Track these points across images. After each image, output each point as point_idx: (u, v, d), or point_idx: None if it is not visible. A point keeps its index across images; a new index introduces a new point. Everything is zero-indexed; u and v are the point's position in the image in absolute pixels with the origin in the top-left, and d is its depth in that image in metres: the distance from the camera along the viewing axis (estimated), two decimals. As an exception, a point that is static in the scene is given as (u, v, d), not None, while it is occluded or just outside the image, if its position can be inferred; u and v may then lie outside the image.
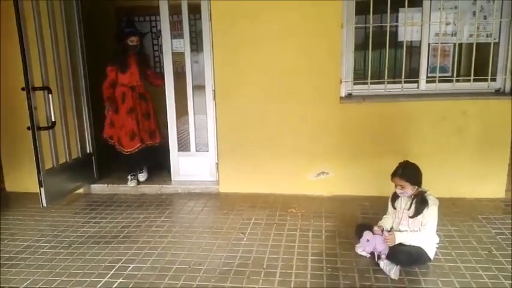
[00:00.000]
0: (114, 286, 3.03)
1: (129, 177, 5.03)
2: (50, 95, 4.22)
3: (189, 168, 5.01)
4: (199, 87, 4.90)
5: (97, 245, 3.68)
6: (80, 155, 4.87)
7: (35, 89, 4.07)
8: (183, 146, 5.11)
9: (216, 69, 4.60)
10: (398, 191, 3.22)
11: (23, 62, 3.95)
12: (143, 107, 4.92)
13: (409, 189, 3.15)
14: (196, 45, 5.40)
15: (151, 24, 6.71)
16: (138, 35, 4.82)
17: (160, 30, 5.23)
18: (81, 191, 4.97)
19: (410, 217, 3.16)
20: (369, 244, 3.19)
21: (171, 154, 5.03)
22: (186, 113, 4.95)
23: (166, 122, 4.97)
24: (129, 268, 3.28)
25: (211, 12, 4.48)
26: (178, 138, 5.04)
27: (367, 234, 3.20)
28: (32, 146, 4.10)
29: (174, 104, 4.91)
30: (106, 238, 3.82)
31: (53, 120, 4.27)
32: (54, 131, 4.40)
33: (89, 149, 5.02)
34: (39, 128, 4.14)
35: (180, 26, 4.86)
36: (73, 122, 4.78)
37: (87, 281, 3.12)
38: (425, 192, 3.19)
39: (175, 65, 4.95)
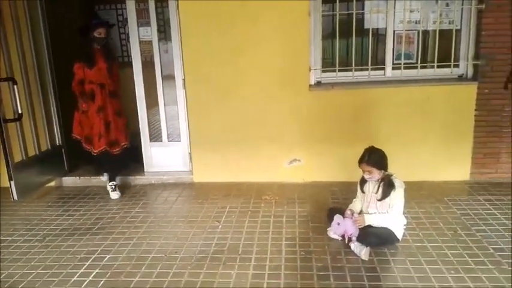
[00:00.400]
0: (90, 277, 3.05)
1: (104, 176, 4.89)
2: (15, 86, 4.14)
3: (162, 158, 5.01)
4: (169, 77, 4.89)
5: (71, 237, 3.68)
6: (50, 147, 4.82)
7: (-1, 80, 4.00)
8: (155, 137, 5.10)
9: (185, 57, 4.60)
10: (366, 177, 3.33)
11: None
12: (115, 105, 4.59)
13: (376, 174, 3.27)
14: (165, 33, 5.36)
15: (117, 12, 6.62)
16: (105, 26, 4.50)
17: (126, 19, 5.12)
18: (52, 184, 4.92)
19: (379, 200, 3.29)
20: (339, 227, 3.31)
21: (142, 145, 5.01)
22: (157, 103, 4.93)
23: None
24: (105, 259, 3.30)
25: (178, 1, 4.47)
26: (150, 128, 5.03)
27: (337, 218, 3.32)
28: (-1, 139, 4.04)
29: (143, 94, 4.87)
30: (80, 230, 3.82)
31: (20, 112, 4.20)
32: (22, 123, 4.35)
33: (58, 141, 4.96)
34: (6, 121, 4.09)
35: (147, 14, 4.80)
36: (41, 114, 4.71)
37: (63, 272, 3.13)
38: (392, 175, 3.31)
39: (144, 54, 4.90)
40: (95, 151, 4.54)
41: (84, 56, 4.43)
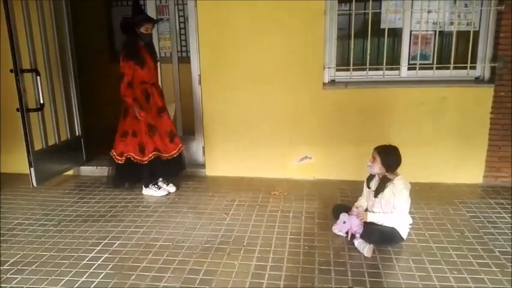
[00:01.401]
0: (99, 261, 3.16)
1: (153, 187, 4.48)
2: (38, 77, 4.32)
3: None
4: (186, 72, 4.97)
5: (85, 223, 3.82)
6: (69, 137, 4.97)
7: (23, 71, 4.17)
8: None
9: (202, 54, 4.68)
10: (368, 163, 3.37)
11: (11, 45, 4.05)
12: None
13: (377, 167, 3.31)
14: (185, 29, 5.46)
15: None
16: (152, 21, 4.16)
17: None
18: (70, 172, 5.08)
19: (375, 197, 3.33)
20: (345, 225, 3.34)
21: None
22: (173, 99, 5.03)
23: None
24: (115, 245, 3.42)
25: (196, -2, 4.56)
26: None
27: (343, 216, 3.35)
28: (21, 128, 4.20)
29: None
30: (94, 217, 3.95)
31: (42, 102, 4.36)
32: (43, 113, 4.50)
33: (77, 131, 5.11)
34: (28, 110, 4.25)
35: (167, 10, 4.89)
36: (62, 105, 4.86)
37: (74, 255, 3.25)
38: (397, 176, 3.32)
39: (163, 50, 5.01)
40: (171, 154, 4.32)
41: (132, 54, 4.07)
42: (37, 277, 2.98)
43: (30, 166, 4.34)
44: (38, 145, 4.49)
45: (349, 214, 3.36)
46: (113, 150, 4.36)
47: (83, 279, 2.95)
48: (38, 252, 3.31)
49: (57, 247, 3.39)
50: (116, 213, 4.02)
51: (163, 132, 4.28)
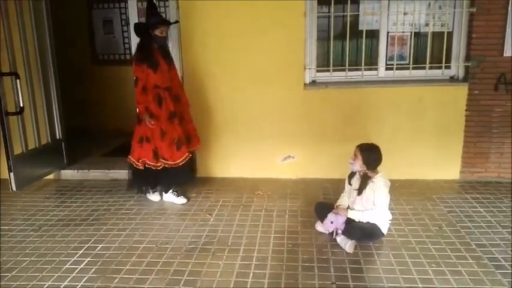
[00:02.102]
0: (82, 265, 3.16)
1: (171, 194, 4.35)
2: (17, 81, 4.28)
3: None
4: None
5: (66, 227, 3.80)
6: (50, 141, 4.93)
7: (2, 74, 4.14)
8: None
9: (184, 55, 4.69)
10: (350, 160, 3.44)
11: (-12, 48, 4.01)
12: (179, 110, 4.21)
13: (358, 164, 3.38)
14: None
15: (121, 11, 6.79)
16: (167, 24, 4.02)
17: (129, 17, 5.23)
18: (51, 176, 5.04)
19: (358, 195, 3.40)
20: (332, 225, 3.38)
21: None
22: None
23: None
24: (98, 248, 3.41)
25: (178, 0, 4.57)
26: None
27: (331, 217, 3.39)
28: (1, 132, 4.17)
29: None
30: (75, 221, 3.93)
31: (21, 105, 4.33)
32: (23, 117, 4.46)
33: (58, 134, 5.07)
34: (8, 114, 4.21)
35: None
36: (42, 108, 4.82)
37: (56, 260, 3.24)
38: (377, 174, 3.40)
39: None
40: (176, 162, 4.08)
41: (145, 57, 3.93)
42: (18, 283, 2.96)
43: (10, 171, 4.30)
44: (18, 149, 4.44)
45: (333, 212, 3.42)
46: (130, 156, 4.21)
47: (65, 283, 2.94)
48: (18, 258, 3.28)
49: (39, 252, 3.37)
50: (98, 217, 4.01)
51: (171, 139, 4.08)
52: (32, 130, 4.65)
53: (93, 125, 6.77)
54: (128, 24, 6.60)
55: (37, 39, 4.70)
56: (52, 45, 4.90)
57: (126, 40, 6.84)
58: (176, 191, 4.33)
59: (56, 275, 3.04)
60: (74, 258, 3.25)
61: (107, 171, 5.08)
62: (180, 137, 4.11)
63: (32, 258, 3.27)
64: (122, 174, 4.98)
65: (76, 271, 3.08)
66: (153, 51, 3.98)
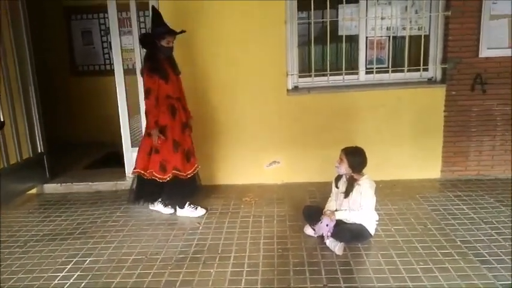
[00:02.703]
0: (71, 280, 3.11)
1: (188, 207, 4.21)
2: (-3, 95, 4.22)
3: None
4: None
5: (53, 242, 3.74)
6: (32, 155, 4.87)
7: (-18, 89, 4.07)
8: (137, 142, 5.14)
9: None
10: (336, 164, 3.49)
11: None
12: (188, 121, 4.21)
13: (343, 168, 3.44)
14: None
15: (100, 21, 6.77)
16: (174, 34, 3.91)
17: (109, 28, 5.20)
18: (34, 191, 4.96)
19: (345, 198, 3.46)
20: (327, 228, 3.39)
21: (124, 150, 5.07)
22: (138, 110, 4.98)
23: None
24: (86, 262, 3.37)
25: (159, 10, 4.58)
26: (131, 134, 5.09)
27: (326, 220, 3.41)
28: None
29: (125, 100, 4.95)
30: (62, 235, 3.88)
31: (2, 120, 4.24)
32: (4, 131, 4.39)
33: (40, 148, 5.01)
34: (-11, 129, 4.14)
35: (129, 23, 4.89)
36: (23, 122, 4.76)
37: (44, 276, 3.19)
38: (363, 176, 3.46)
39: (126, 62, 4.99)
40: (187, 173, 4.06)
41: (155, 68, 3.85)
42: (7, 301, 2.90)
43: (-8, 187, 4.23)
44: (-1, 164, 4.38)
45: (322, 217, 3.45)
46: (136, 167, 4.11)
47: (55, 300, 2.91)
48: (4, 276, 3.22)
49: (25, 268, 3.31)
50: (84, 230, 3.96)
51: (183, 150, 4.04)
52: (13, 144, 4.58)
53: (73, 137, 6.69)
54: (107, 34, 6.57)
55: (16, 52, 4.64)
56: (31, 58, 4.85)
57: (106, 50, 6.81)
58: (193, 204, 4.22)
59: (45, 291, 3.00)
60: (63, 274, 3.21)
61: (90, 183, 5.04)
62: (190, 148, 4.10)
63: (20, 275, 3.21)
64: (106, 186, 5.00)
65: (66, 286, 3.04)
66: (161, 61, 3.91)
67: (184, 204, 4.20)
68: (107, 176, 5.14)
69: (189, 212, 4.19)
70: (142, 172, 4.06)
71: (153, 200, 4.28)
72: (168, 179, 4.00)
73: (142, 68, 3.98)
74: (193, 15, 4.53)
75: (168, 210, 4.27)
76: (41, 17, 5.92)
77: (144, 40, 3.95)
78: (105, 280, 3.10)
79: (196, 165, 4.16)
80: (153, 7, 3.94)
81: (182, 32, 3.94)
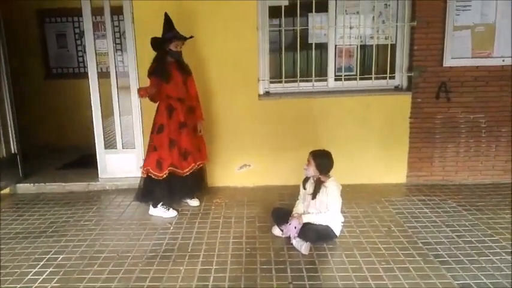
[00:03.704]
0: (44, 275, 3.18)
1: (160, 207, 4.29)
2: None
3: (116, 165, 5.14)
4: (124, 87, 5.06)
5: (26, 240, 3.78)
6: (5, 155, 4.89)
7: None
8: (111, 145, 5.24)
9: (140, 68, 4.76)
10: (304, 166, 3.64)
11: None
12: (193, 121, 4.36)
13: (311, 170, 3.58)
14: (121, 45, 5.54)
15: (74, 25, 6.79)
16: (183, 39, 4.14)
17: (83, 31, 5.26)
18: (7, 191, 4.97)
19: (312, 199, 3.59)
20: (295, 230, 3.51)
21: (97, 152, 5.12)
22: (112, 112, 5.07)
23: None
24: (59, 259, 3.43)
25: (133, 14, 4.68)
26: (105, 136, 5.16)
27: (294, 222, 3.53)
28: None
29: (99, 103, 5.01)
30: (35, 233, 3.92)
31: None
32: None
33: (13, 149, 5.03)
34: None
35: (103, 27, 4.96)
36: (-4, 123, 4.78)
37: (17, 272, 3.24)
38: (330, 178, 3.60)
39: (100, 65, 5.05)
40: (183, 171, 4.22)
41: (158, 70, 4.09)
42: (-21, 296, 2.95)
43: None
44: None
45: (290, 220, 3.57)
46: (144, 165, 4.31)
47: (28, 293, 2.96)
48: (-23, 272, 3.25)
49: (-2, 264, 3.35)
50: (57, 229, 4.01)
51: (180, 148, 4.19)
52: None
53: (47, 139, 6.68)
54: (81, 37, 6.60)
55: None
56: (6, 60, 4.87)
57: (80, 54, 6.84)
58: (166, 205, 4.31)
59: (18, 286, 3.06)
60: (36, 270, 3.26)
61: (63, 184, 5.07)
62: (187, 148, 4.22)
63: (-8, 271, 3.26)
64: (79, 186, 5.05)
65: (38, 281, 3.11)
66: (167, 64, 4.13)
67: (158, 204, 4.29)
68: (79, 177, 5.17)
69: (161, 212, 4.27)
70: (143, 170, 4.28)
71: (154, 200, 4.34)
72: (165, 176, 4.14)
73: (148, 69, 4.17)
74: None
75: (195, 202, 4.51)
76: (14, 19, 5.92)
77: (154, 44, 4.13)
78: (77, 276, 3.17)
79: (193, 164, 4.26)
80: (165, 14, 4.12)
81: (190, 37, 4.18)
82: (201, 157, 4.43)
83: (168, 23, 4.11)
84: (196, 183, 4.49)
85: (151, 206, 4.33)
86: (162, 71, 4.09)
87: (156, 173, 4.15)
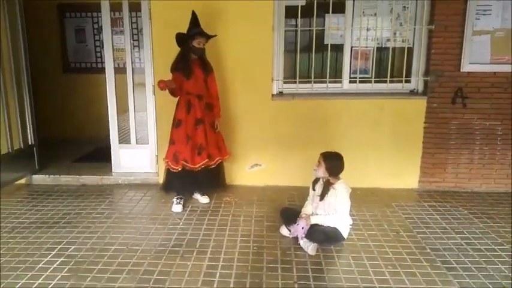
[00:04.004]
0: (55, 265, 3.26)
1: (174, 200, 4.46)
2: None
3: (130, 160, 5.22)
4: (140, 83, 5.13)
5: (39, 230, 3.87)
6: (22, 146, 4.99)
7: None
8: (125, 139, 5.31)
9: (156, 65, 4.84)
10: (314, 167, 3.65)
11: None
12: (210, 118, 4.43)
13: (321, 171, 3.60)
14: (138, 41, 5.61)
15: (93, 20, 6.90)
16: (206, 36, 4.22)
17: (101, 27, 5.33)
18: (22, 181, 5.09)
19: (320, 200, 3.60)
20: (302, 230, 3.53)
21: (112, 147, 5.21)
22: (127, 107, 5.15)
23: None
24: (70, 249, 3.51)
25: (151, 11, 4.74)
26: (119, 131, 5.24)
27: (302, 223, 3.54)
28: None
29: (114, 98, 5.08)
30: (48, 224, 4.01)
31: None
32: (-4, 123, 4.52)
33: (30, 140, 5.13)
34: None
35: (121, 23, 5.03)
36: (15, 113, 4.88)
37: (29, 260, 3.33)
38: (339, 180, 3.61)
39: (117, 61, 5.13)
40: (195, 166, 4.30)
41: (180, 66, 4.22)
42: (-9, 281, 3.03)
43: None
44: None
45: (299, 220, 3.59)
46: (166, 156, 4.44)
47: (39, 281, 3.04)
48: (-10, 259, 3.35)
49: (12, 252, 3.44)
50: (69, 220, 4.09)
51: (195, 143, 4.31)
52: (5, 135, 4.71)
53: (63, 132, 6.82)
54: (100, 33, 6.70)
55: (11, 48, 4.76)
56: (26, 54, 4.98)
57: (98, 49, 6.95)
58: (178, 198, 4.46)
59: (30, 273, 3.13)
60: (47, 259, 3.35)
61: (77, 176, 5.16)
62: (202, 143, 4.31)
63: (7, 258, 3.34)
64: (93, 180, 5.14)
65: (49, 270, 3.18)
66: (190, 60, 4.25)
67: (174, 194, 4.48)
68: (94, 171, 5.27)
69: (172, 202, 4.44)
70: (165, 161, 4.41)
71: (182, 191, 4.52)
72: (179, 169, 4.28)
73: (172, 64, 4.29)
74: (184, 16, 4.43)
75: (205, 199, 4.61)
76: (35, 13, 6.04)
77: (179, 40, 4.23)
78: (87, 266, 3.24)
79: (207, 160, 4.33)
80: (193, 11, 4.21)
81: (214, 36, 4.29)
82: (220, 154, 4.51)
83: (194, 20, 4.21)
84: (210, 180, 4.53)
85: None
86: (184, 67, 4.21)
87: (173, 166, 4.30)
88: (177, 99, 4.37)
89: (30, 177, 5.14)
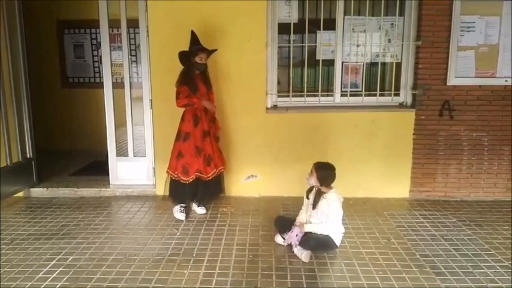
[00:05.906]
0: (54, 274, 3.33)
1: (178, 207, 4.58)
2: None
3: (127, 172, 5.32)
4: (137, 97, 5.26)
5: (38, 241, 3.94)
6: (21, 160, 5.07)
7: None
8: (122, 152, 5.41)
9: (153, 80, 4.97)
10: (307, 175, 3.78)
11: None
12: (214, 130, 4.64)
13: (313, 180, 3.73)
14: (136, 57, 5.75)
15: (92, 36, 7.04)
16: (207, 52, 4.39)
17: (100, 42, 5.47)
18: (21, 194, 5.16)
19: (313, 209, 3.73)
20: (296, 238, 3.63)
21: (109, 159, 5.30)
22: (125, 121, 5.25)
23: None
24: (69, 260, 3.58)
25: (148, 28, 4.89)
26: (117, 144, 5.34)
27: (296, 230, 3.65)
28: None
29: (112, 112, 5.20)
30: (46, 235, 4.08)
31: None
32: (-5, 135, 4.60)
33: (29, 154, 5.22)
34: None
35: (119, 39, 5.17)
36: (14, 127, 4.97)
37: (28, 270, 3.39)
38: (331, 190, 3.73)
39: (115, 76, 5.25)
40: (207, 176, 4.50)
41: (187, 80, 4.37)
42: (-9, 290, 3.10)
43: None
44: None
45: (293, 228, 3.69)
46: (168, 169, 4.57)
47: (39, 290, 3.12)
48: (-10, 270, 3.42)
49: (11, 263, 3.51)
50: (68, 231, 4.16)
51: (205, 155, 4.48)
52: (4, 148, 4.79)
53: (62, 145, 6.92)
54: (98, 48, 6.85)
55: (11, 61, 4.87)
56: (25, 68, 5.08)
57: (96, 64, 7.09)
58: (183, 207, 4.60)
59: (29, 283, 3.21)
60: (46, 269, 3.41)
61: (75, 189, 5.24)
62: (210, 154, 4.52)
63: (6, 269, 3.41)
64: (90, 192, 5.21)
65: (49, 280, 3.25)
66: (194, 76, 4.42)
67: (178, 203, 4.61)
68: (91, 183, 5.35)
69: (176, 211, 4.57)
70: (171, 172, 4.53)
71: (183, 201, 4.64)
72: (191, 180, 4.44)
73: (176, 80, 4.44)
74: (181, 32, 4.62)
75: (201, 210, 4.70)
76: (35, 29, 6.17)
77: (181, 58, 4.40)
78: (86, 276, 3.31)
79: (215, 169, 4.56)
80: (192, 31, 4.38)
81: (214, 50, 4.47)
82: (221, 163, 4.69)
83: (193, 38, 4.38)
84: (215, 187, 4.76)
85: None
86: (190, 83, 4.37)
87: (183, 178, 4.45)
88: (175, 112, 4.50)
89: (28, 190, 5.21)
